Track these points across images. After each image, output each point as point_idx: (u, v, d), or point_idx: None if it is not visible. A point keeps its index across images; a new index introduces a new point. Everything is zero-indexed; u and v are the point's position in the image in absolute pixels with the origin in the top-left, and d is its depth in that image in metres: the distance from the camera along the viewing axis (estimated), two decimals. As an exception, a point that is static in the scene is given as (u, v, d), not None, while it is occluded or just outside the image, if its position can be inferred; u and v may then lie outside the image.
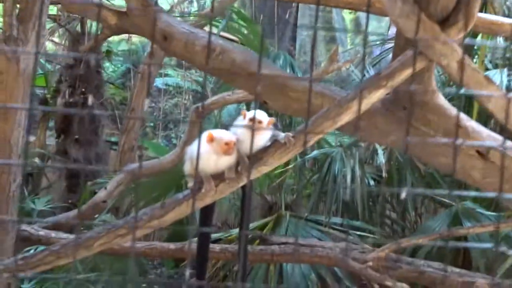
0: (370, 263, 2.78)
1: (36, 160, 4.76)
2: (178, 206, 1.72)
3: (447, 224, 3.57)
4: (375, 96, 1.57)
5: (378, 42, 5.02)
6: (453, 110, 1.89)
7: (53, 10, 4.73)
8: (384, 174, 3.56)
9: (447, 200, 3.81)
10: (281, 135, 1.74)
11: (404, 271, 2.90)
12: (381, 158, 3.65)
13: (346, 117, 1.57)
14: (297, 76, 3.63)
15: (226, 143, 1.77)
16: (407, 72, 1.54)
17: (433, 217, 3.92)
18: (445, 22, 1.50)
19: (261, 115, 1.87)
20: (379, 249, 2.85)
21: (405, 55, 1.54)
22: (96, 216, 3.59)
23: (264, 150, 1.74)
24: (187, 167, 1.92)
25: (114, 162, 4.76)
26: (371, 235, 3.60)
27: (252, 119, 1.83)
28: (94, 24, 4.56)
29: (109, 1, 4.66)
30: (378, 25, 5.90)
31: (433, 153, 1.91)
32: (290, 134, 1.72)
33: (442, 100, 1.90)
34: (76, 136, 4.65)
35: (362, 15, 6.18)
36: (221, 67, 2.09)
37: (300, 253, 3.04)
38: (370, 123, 1.91)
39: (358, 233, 3.55)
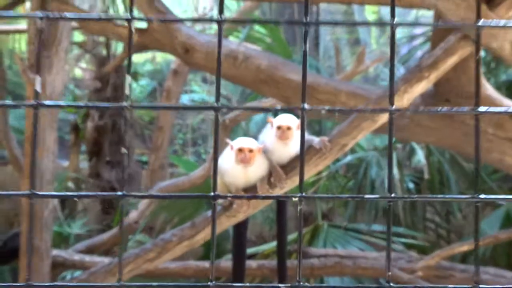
0: (420, 273, 2.57)
1: (70, 184, 4.82)
2: (208, 225, 1.62)
3: (499, 226, 3.32)
4: (417, 90, 1.43)
5: (404, 40, 4.82)
6: (503, 100, 1.71)
7: (79, 37, 4.83)
8: (426, 176, 3.34)
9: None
10: (316, 140, 1.61)
11: (457, 280, 2.67)
12: (421, 158, 3.44)
13: (386, 115, 1.42)
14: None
15: (240, 149, 1.64)
16: (452, 60, 1.39)
17: (482, 219, 3.65)
18: (492, 0, 1.35)
19: (289, 120, 1.71)
20: (428, 257, 2.64)
21: (448, 41, 1.39)
22: (130, 237, 3.55)
23: (298, 157, 1.62)
24: (217, 182, 1.81)
25: (146, 181, 4.75)
26: (415, 241, 3.39)
27: (280, 127, 1.69)
28: (119, 45, 4.60)
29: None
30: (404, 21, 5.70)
31: (485, 150, 1.73)
32: (326, 138, 1.59)
33: (490, 89, 1.72)
34: (108, 158, 4.68)
35: (385, 14, 5.99)
36: (246, 74, 1.99)
37: (342, 265, 2.87)
38: (412, 121, 1.75)
39: (402, 240, 3.34)
